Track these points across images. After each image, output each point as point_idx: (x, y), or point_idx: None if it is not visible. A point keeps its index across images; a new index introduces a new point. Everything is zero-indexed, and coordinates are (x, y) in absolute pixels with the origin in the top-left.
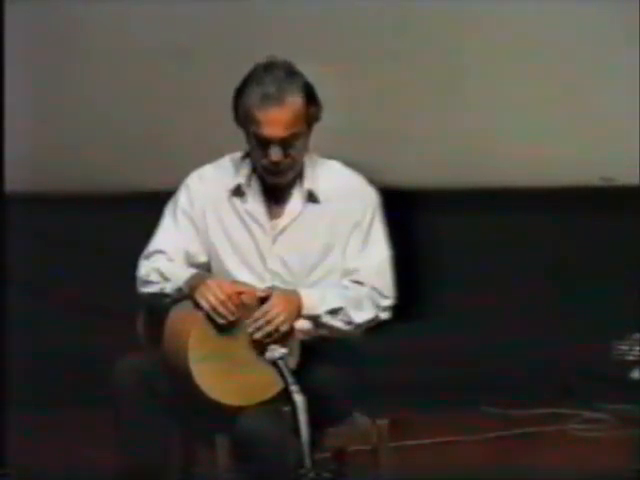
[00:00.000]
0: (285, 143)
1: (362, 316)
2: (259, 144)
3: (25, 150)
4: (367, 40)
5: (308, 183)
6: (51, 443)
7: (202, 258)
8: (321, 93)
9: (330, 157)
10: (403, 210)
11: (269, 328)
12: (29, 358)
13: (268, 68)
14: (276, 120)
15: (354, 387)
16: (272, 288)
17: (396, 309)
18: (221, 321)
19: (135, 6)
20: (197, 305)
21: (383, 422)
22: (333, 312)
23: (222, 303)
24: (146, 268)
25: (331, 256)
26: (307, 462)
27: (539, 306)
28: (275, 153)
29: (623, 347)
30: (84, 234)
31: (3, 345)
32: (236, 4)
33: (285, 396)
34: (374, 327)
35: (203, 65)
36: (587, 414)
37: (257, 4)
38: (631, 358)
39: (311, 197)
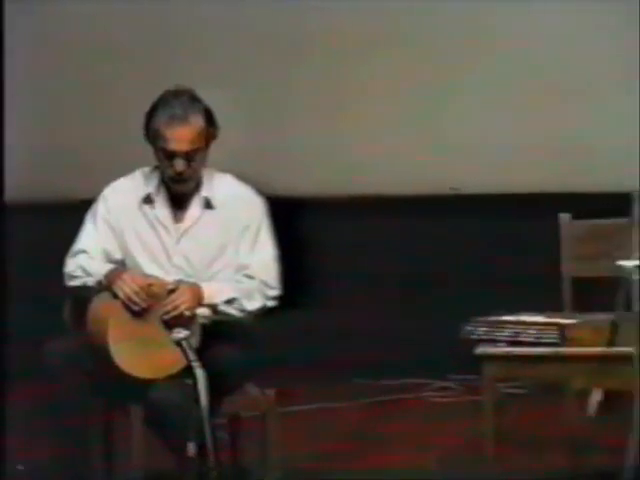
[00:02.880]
0: (188, 156)
1: (253, 304)
2: (166, 157)
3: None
4: (258, 70)
5: (206, 192)
6: None
7: (118, 255)
8: (221, 115)
9: (227, 170)
10: (290, 215)
11: (175, 313)
12: None
13: (174, 94)
14: (181, 137)
15: (247, 363)
16: (179, 281)
17: (284, 298)
18: (135, 308)
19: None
20: (115, 295)
21: (270, 392)
22: (228, 301)
23: (135, 293)
24: (72, 265)
25: (226, 254)
26: (206, 425)
27: (404, 295)
28: (179, 164)
29: (469, 328)
30: None
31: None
32: (150, 34)
33: (188, 371)
34: (264, 313)
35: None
36: (439, 383)
37: (170, 35)
38: (475, 337)
39: (208, 204)
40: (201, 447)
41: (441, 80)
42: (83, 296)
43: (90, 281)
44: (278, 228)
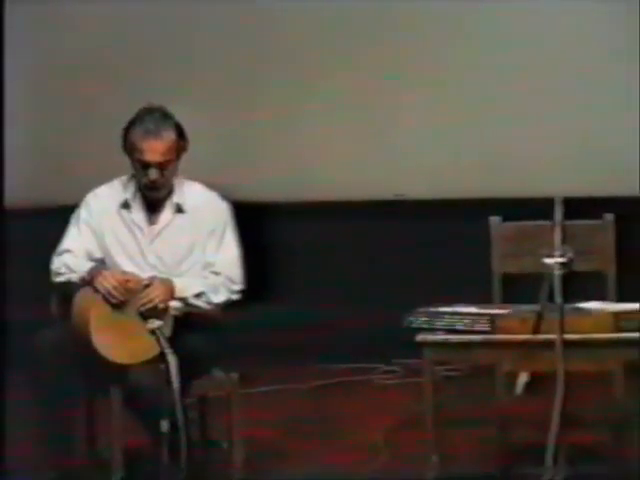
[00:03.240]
0: (161, 166)
1: (219, 298)
2: (141, 167)
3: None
4: (225, 88)
5: (177, 198)
6: None
7: (98, 254)
8: (191, 129)
9: (198, 178)
10: (254, 219)
11: (150, 306)
12: None
13: (148, 111)
14: (154, 149)
15: (214, 349)
16: (153, 277)
17: (248, 292)
18: (114, 301)
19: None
20: (96, 290)
21: (234, 375)
22: (197, 295)
23: (114, 288)
24: (57, 263)
25: (194, 253)
26: (178, 405)
27: (356, 290)
28: (153, 174)
29: (411, 318)
30: None
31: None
32: (132, 56)
33: (161, 357)
34: (230, 305)
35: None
36: (385, 367)
37: (149, 57)
38: (416, 326)
39: (179, 209)
40: (173, 424)
41: (390, 94)
42: (68, 291)
43: (74, 277)
44: (244, 230)
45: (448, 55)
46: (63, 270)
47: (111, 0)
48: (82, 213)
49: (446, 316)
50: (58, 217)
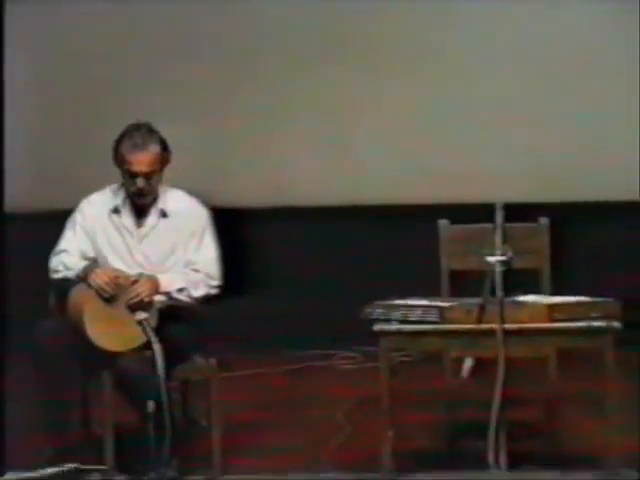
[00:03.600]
0: (147, 176)
1: (199, 292)
2: (130, 177)
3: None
4: (206, 105)
5: (161, 204)
6: None
7: (91, 254)
8: (176, 142)
9: (181, 186)
10: (232, 222)
11: (137, 299)
12: None
13: (136, 127)
14: (141, 161)
15: (194, 338)
16: (140, 274)
17: (226, 288)
18: (105, 295)
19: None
20: (89, 285)
21: (213, 361)
22: (179, 290)
23: (106, 284)
24: (55, 262)
25: (177, 253)
26: (162, 388)
27: (321, 286)
28: (140, 183)
29: (369, 310)
30: None
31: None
32: (124, 77)
33: (148, 345)
34: (209, 299)
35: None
36: (346, 353)
37: (140, 77)
38: (374, 317)
39: (163, 213)
40: (158, 405)
41: (352, 107)
42: (64, 286)
43: (70, 274)
44: (222, 232)
45: (403, 70)
46: (60, 268)
47: (111, 28)
48: (77, 217)
49: (400, 308)
50: (56, 221)
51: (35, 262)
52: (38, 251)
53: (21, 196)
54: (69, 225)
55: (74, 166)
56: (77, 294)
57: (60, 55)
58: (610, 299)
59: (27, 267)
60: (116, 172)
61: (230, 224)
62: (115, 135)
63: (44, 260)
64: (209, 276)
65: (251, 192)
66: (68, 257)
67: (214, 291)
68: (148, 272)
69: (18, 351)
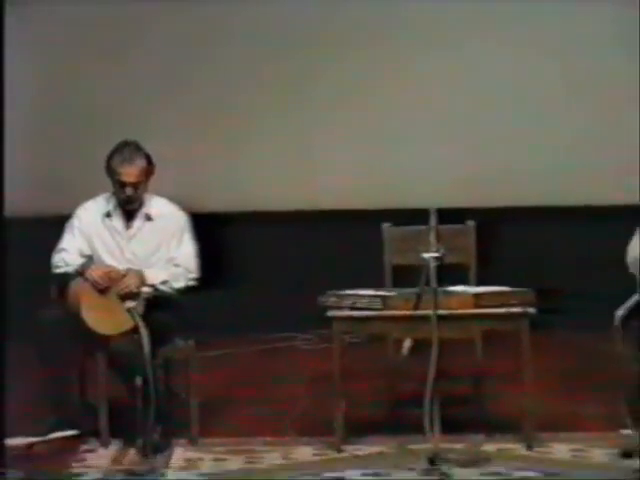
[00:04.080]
0: (134, 186)
1: (179, 284)
2: (120, 187)
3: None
4: (188, 125)
5: (146, 209)
6: None
7: (87, 252)
8: (159, 156)
9: (162, 194)
10: (210, 224)
11: (127, 290)
12: None
13: (125, 144)
14: (129, 173)
15: (176, 323)
16: (129, 269)
17: (205, 280)
18: (99, 287)
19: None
20: (86, 279)
21: (191, 343)
22: (163, 282)
23: (100, 277)
24: (56, 259)
25: (160, 251)
26: (148, 366)
27: (285, 280)
28: (129, 191)
29: (324, 299)
30: None
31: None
32: (119, 100)
33: (135, 329)
34: (188, 290)
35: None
36: (305, 336)
37: (132, 99)
38: (328, 304)
39: (148, 217)
40: (145, 380)
41: (312, 122)
42: (65, 280)
43: (69, 269)
44: (201, 233)
45: (355, 87)
46: (61, 264)
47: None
48: (75, 221)
49: (350, 297)
50: (53, 224)
51: (35, 260)
52: (37, 251)
53: (20, 202)
54: (68, 228)
55: (70, 176)
56: (75, 286)
57: (60, 68)
58: (526, 289)
59: (30, 264)
60: (107, 181)
61: (208, 226)
62: (106, 148)
63: (43, 258)
64: (188, 270)
65: (225, 199)
66: (68, 255)
67: (192, 283)
68: (136, 267)
69: (21, 336)
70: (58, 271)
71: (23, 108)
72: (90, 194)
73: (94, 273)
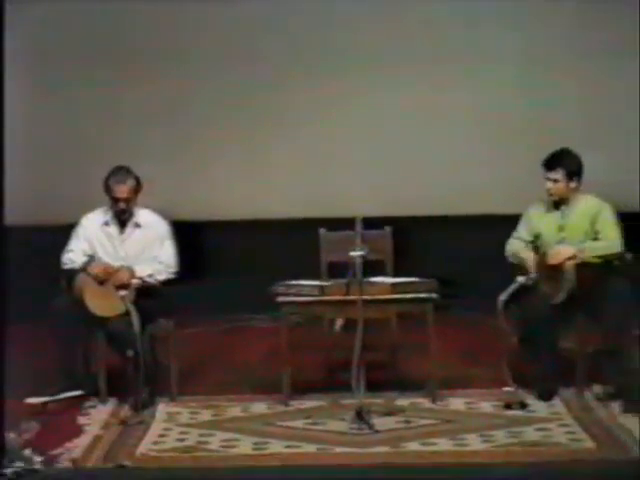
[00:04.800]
0: (126, 201)
1: (162, 277)
2: (115, 201)
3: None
4: (164, 151)
5: (135, 219)
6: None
7: (89, 252)
8: (145, 176)
9: (149, 206)
10: (190, 231)
11: (120, 282)
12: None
13: (119, 169)
14: (122, 191)
15: (160, 308)
16: (122, 266)
17: (183, 274)
18: (99, 279)
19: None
20: (88, 274)
21: (171, 323)
22: (149, 276)
23: (99, 272)
24: (65, 258)
25: (146, 251)
26: (138, 341)
27: (248, 274)
28: (122, 205)
29: (275, 287)
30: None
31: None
32: (112, 125)
33: (127, 313)
34: (170, 281)
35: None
36: (263, 317)
37: (125, 125)
38: (278, 292)
39: (137, 225)
40: (135, 352)
41: (260, 145)
42: (72, 274)
43: (75, 266)
44: (180, 236)
45: (299, 118)
46: (68, 262)
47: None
48: (79, 229)
49: (295, 286)
50: (54, 233)
51: (49, 261)
52: (51, 254)
53: (20, 211)
54: (74, 234)
55: (68, 186)
56: (80, 279)
57: (55, 99)
58: (430, 280)
59: (45, 264)
60: (97, 194)
61: (185, 231)
62: (97, 167)
63: (54, 260)
64: (169, 266)
65: (198, 210)
66: (74, 255)
67: (172, 276)
68: (127, 264)
69: (37, 320)
70: (66, 267)
71: (21, 132)
72: (85, 205)
73: (95, 269)
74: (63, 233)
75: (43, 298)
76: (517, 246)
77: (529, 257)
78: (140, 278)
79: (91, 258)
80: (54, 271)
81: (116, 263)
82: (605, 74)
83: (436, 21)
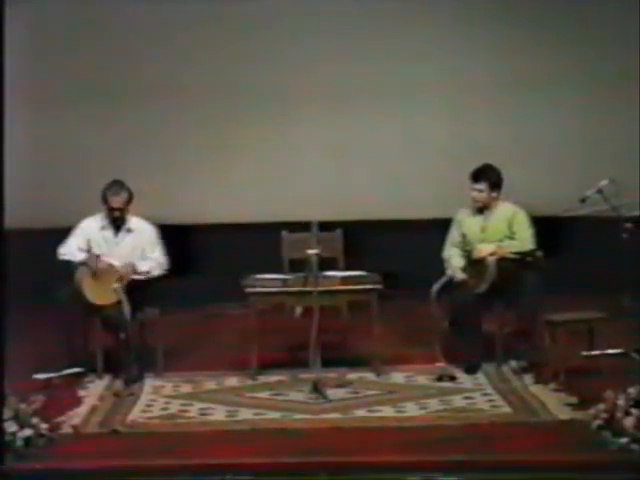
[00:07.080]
0: (120, 210)
1: (155, 272)
2: (110, 210)
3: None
4: (165, 162)
5: (128, 225)
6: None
7: (83, 247)
8: (136, 187)
9: (140, 213)
10: (176, 233)
11: (126, 275)
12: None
13: (114, 182)
14: (117, 201)
15: (147, 298)
16: (126, 262)
17: (172, 270)
18: (97, 273)
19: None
20: (89, 267)
21: (156, 310)
22: (147, 272)
23: (103, 268)
24: (62, 250)
25: (136, 253)
26: (128, 325)
27: (223, 271)
28: (116, 214)
29: (245, 281)
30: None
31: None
32: (108, 141)
33: (120, 301)
34: (160, 277)
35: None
36: (233, 305)
37: (119, 140)
38: (245, 285)
39: (129, 230)
40: (127, 336)
41: (234, 155)
42: (72, 269)
43: (71, 258)
44: (168, 238)
45: (266, 132)
46: (67, 254)
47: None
48: (78, 230)
49: (261, 280)
50: (51, 237)
51: (53, 259)
52: (40, 255)
53: (18, 216)
54: (72, 233)
55: (66, 192)
56: (80, 272)
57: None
58: (375, 274)
59: (49, 262)
60: (92, 201)
61: (172, 234)
62: (91, 179)
63: (50, 258)
64: (159, 264)
65: (182, 215)
66: (68, 248)
67: (164, 272)
68: (125, 262)
69: (43, 307)
70: (62, 258)
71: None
72: (83, 211)
73: (100, 265)
74: (64, 235)
75: (48, 291)
76: (448, 253)
77: (456, 265)
78: (138, 273)
79: (90, 255)
80: (56, 268)
81: (115, 262)
82: (521, 100)
83: (375, 60)
